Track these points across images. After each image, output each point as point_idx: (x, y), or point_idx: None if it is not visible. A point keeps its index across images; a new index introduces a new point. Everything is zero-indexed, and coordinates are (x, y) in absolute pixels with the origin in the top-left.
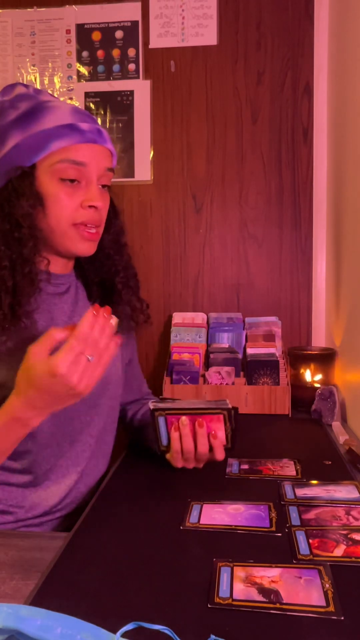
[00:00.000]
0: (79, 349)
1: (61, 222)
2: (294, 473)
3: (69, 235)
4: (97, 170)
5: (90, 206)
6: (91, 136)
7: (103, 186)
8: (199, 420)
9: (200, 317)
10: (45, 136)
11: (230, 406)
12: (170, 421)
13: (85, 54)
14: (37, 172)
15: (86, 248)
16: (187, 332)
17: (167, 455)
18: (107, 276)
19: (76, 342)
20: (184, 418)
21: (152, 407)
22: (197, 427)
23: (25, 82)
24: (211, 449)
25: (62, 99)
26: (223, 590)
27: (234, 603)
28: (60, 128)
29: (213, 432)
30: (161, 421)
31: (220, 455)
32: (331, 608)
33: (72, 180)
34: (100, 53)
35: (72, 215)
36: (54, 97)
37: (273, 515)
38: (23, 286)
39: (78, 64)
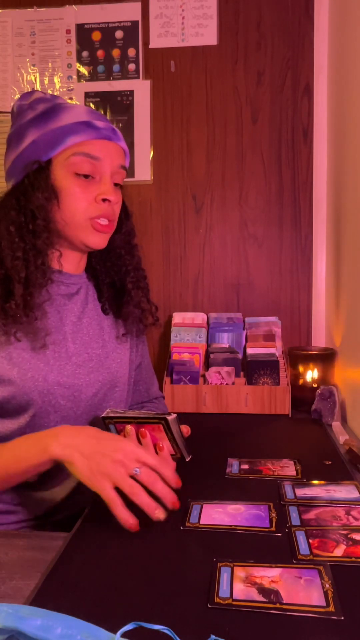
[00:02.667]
0: (139, 458)
1: (76, 216)
2: (294, 473)
3: (83, 227)
4: (111, 167)
5: (104, 200)
6: (106, 133)
7: (115, 184)
8: (141, 431)
9: (200, 317)
10: (62, 132)
11: (170, 416)
12: (119, 430)
13: (85, 54)
14: (52, 166)
15: (98, 240)
16: (187, 332)
17: None
18: (118, 276)
19: (149, 456)
20: (128, 427)
21: (102, 416)
22: (140, 437)
23: (25, 82)
24: None
25: None
26: (223, 590)
27: (234, 603)
28: (76, 124)
29: (160, 445)
30: (112, 429)
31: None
32: (331, 608)
33: (86, 176)
34: (100, 53)
35: (86, 209)
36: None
37: (273, 515)
38: (36, 278)
39: (78, 64)
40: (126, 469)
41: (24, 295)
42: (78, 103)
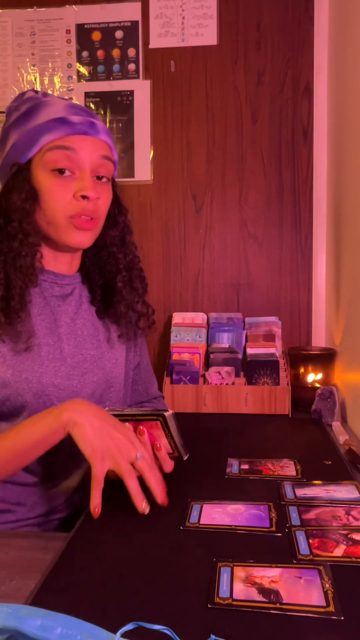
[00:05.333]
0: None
1: (56, 215)
2: (294, 473)
3: (63, 226)
4: (90, 160)
5: (83, 197)
6: (82, 128)
7: (100, 178)
8: (139, 429)
9: (200, 317)
10: (37, 131)
11: (167, 413)
12: None
13: (85, 54)
14: (32, 167)
15: (80, 239)
16: (187, 332)
17: None
18: (109, 276)
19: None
20: (126, 425)
21: None
22: (138, 435)
23: (25, 82)
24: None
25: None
26: (223, 590)
27: (234, 603)
28: (50, 122)
29: (158, 445)
30: None
31: (167, 467)
32: (331, 608)
33: (62, 171)
34: (100, 53)
35: (65, 207)
36: (60, 97)
37: (273, 515)
38: (15, 279)
39: (78, 64)
40: (129, 453)
41: (4, 298)
42: (74, 100)
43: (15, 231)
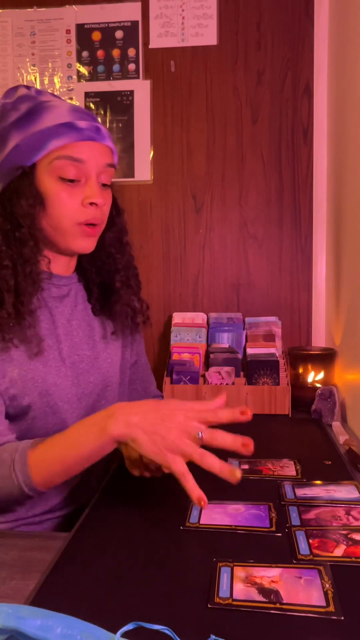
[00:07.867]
0: (197, 416)
1: (63, 222)
2: (294, 473)
3: (70, 232)
4: (97, 167)
5: (91, 203)
6: (89, 134)
7: (104, 185)
8: None
9: (200, 317)
10: (44, 135)
11: None
12: None
13: (85, 54)
14: (37, 171)
15: (86, 245)
16: (187, 332)
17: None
18: (107, 275)
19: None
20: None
21: None
22: None
23: (25, 82)
24: None
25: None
26: (223, 590)
27: (234, 603)
28: (58, 127)
29: None
30: None
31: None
32: (331, 608)
33: (71, 181)
34: (100, 53)
35: (73, 214)
36: (55, 96)
37: (273, 515)
38: (25, 286)
39: (78, 64)
40: (190, 436)
41: (14, 304)
42: (74, 100)
43: (26, 238)
